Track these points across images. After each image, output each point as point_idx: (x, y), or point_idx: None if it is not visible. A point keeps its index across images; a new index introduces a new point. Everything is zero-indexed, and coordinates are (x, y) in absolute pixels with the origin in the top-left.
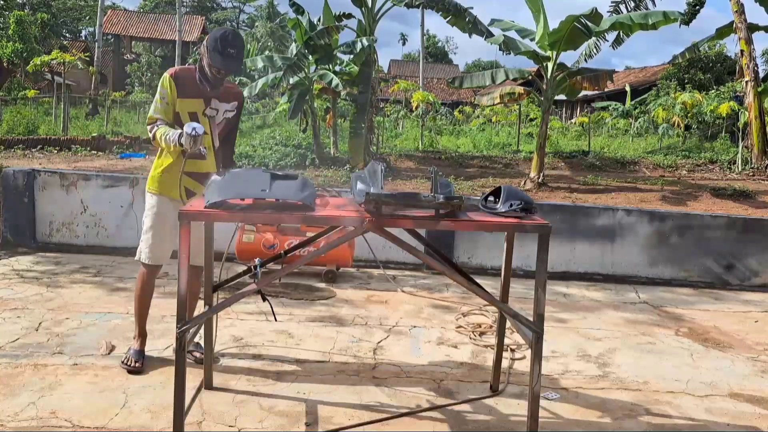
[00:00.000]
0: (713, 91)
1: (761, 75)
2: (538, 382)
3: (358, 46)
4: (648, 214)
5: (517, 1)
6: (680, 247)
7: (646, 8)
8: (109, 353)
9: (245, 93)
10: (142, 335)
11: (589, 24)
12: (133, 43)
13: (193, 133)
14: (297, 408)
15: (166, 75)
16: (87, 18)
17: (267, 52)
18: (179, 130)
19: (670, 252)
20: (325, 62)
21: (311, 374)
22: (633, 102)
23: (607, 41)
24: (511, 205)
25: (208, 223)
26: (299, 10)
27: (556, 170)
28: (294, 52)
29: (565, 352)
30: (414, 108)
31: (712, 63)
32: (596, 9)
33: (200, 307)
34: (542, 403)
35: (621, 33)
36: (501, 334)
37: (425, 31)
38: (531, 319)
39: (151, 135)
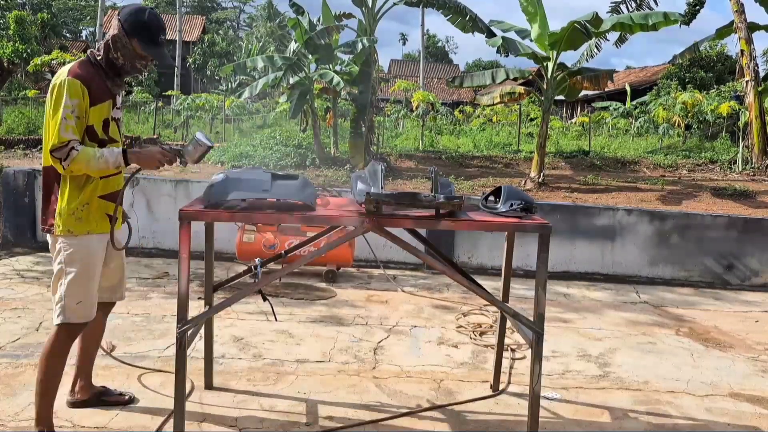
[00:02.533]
0: (714, 90)
1: (761, 75)
2: (538, 382)
3: (359, 45)
4: (648, 214)
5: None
6: (680, 247)
7: (649, 8)
8: (109, 353)
9: (246, 94)
10: (47, 421)
11: (589, 27)
12: None
13: (205, 140)
14: (297, 408)
15: (73, 80)
16: (87, 18)
17: (267, 52)
18: (116, 149)
19: (671, 252)
20: (325, 62)
21: (311, 374)
22: (633, 102)
23: (608, 41)
24: (511, 205)
25: (209, 223)
26: (299, 10)
27: (556, 170)
28: (293, 51)
29: (565, 352)
30: (414, 108)
31: (713, 62)
32: (597, 14)
33: (199, 308)
34: (542, 403)
35: (621, 33)
36: (501, 334)
37: (425, 31)
38: (531, 318)
39: (65, 164)
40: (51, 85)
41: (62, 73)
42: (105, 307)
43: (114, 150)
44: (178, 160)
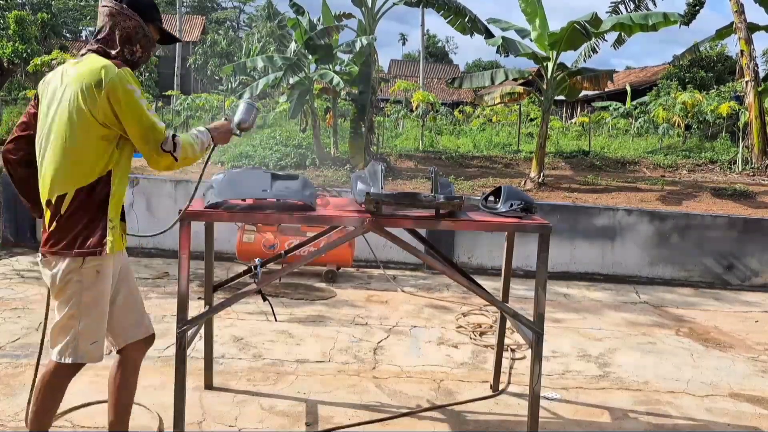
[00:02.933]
0: (714, 90)
1: (761, 75)
2: (538, 382)
3: (358, 45)
4: (648, 214)
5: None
6: (680, 247)
7: (647, 9)
8: (109, 353)
9: (246, 94)
10: None
11: (589, 27)
12: None
13: (254, 103)
14: (297, 408)
15: (129, 69)
16: (87, 18)
17: (267, 53)
18: (201, 128)
19: (671, 252)
20: (325, 62)
21: (311, 374)
22: (633, 102)
23: (607, 41)
24: (511, 205)
25: (209, 223)
26: (299, 10)
27: (556, 170)
28: (293, 51)
29: (565, 352)
30: (414, 108)
31: (713, 63)
32: (596, 14)
33: (199, 308)
34: (542, 403)
35: (621, 34)
36: (501, 334)
37: (425, 31)
38: (531, 319)
39: (177, 155)
40: (99, 83)
41: (107, 67)
42: (136, 347)
43: (201, 129)
44: (238, 130)
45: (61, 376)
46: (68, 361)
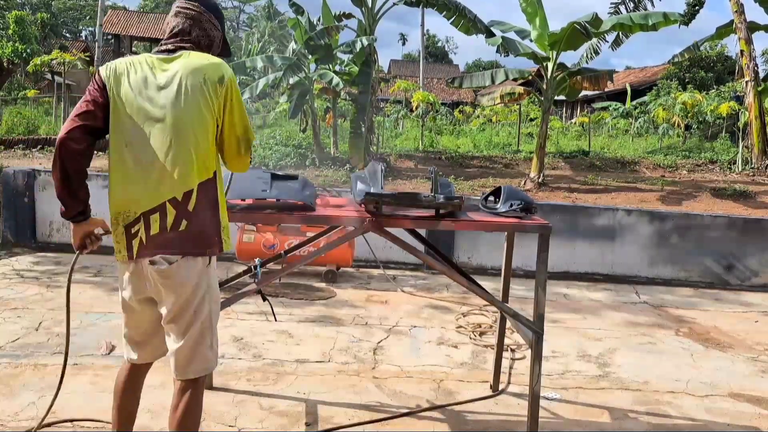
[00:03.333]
0: (713, 90)
1: (761, 75)
2: (538, 382)
3: (358, 45)
4: (648, 214)
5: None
6: (680, 248)
7: (645, 9)
8: (109, 353)
9: (246, 94)
10: None
11: (589, 27)
12: (134, 43)
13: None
14: (297, 408)
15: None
16: (87, 18)
17: (267, 53)
18: None
19: (670, 252)
20: (325, 62)
21: (311, 374)
22: (633, 102)
23: (607, 42)
24: (511, 205)
25: None
26: (299, 10)
27: (556, 170)
28: (293, 51)
29: (565, 352)
30: (414, 108)
31: (713, 63)
32: (596, 14)
33: None
34: (542, 403)
35: (621, 34)
36: (501, 334)
37: (425, 31)
38: (531, 319)
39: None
40: (221, 79)
41: (226, 65)
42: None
43: None
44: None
45: (201, 393)
46: (204, 372)
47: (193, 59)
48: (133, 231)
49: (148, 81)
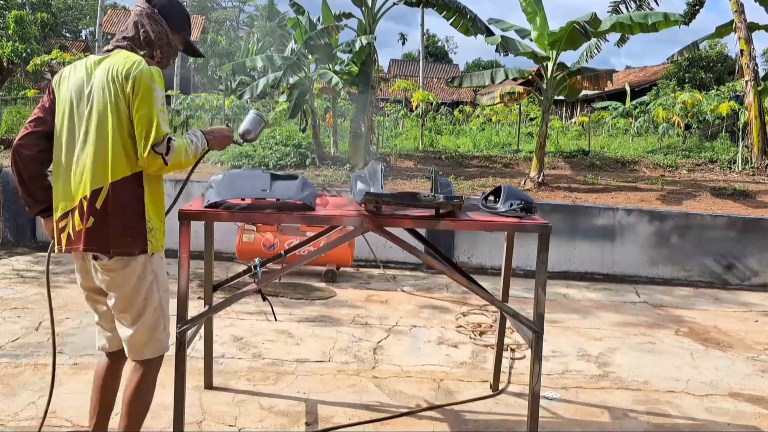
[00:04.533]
0: (713, 90)
1: (761, 74)
2: (538, 382)
3: (358, 45)
4: (648, 213)
5: (511, 2)
6: (680, 247)
7: (649, 8)
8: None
9: (246, 95)
10: None
11: (589, 27)
12: None
13: (262, 117)
14: (297, 408)
15: (158, 69)
16: (87, 17)
17: (267, 52)
18: (197, 131)
19: (670, 252)
20: (325, 62)
21: (311, 374)
22: (633, 102)
23: (608, 41)
24: (511, 205)
25: (209, 222)
26: (299, 9)
27: (556, 170)
28: (293, 51)
29: (565, 351)
30: (414, 108)
31: (712, 62)
32: (595, 14)
33: (199, 308)
34: (542, 402)
35: (622, 34)
36: (501, 334)
37: (425, 31)
38: (531, 318)
39: (168, 159)
40: (127, 75)
41: (139, 62)
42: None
43: (197, 133)
44: (241, 139)
45: (154, 374)
46: (153, 356)
47: (114, 57)
48: (61, 226)
49: (83, 83)
